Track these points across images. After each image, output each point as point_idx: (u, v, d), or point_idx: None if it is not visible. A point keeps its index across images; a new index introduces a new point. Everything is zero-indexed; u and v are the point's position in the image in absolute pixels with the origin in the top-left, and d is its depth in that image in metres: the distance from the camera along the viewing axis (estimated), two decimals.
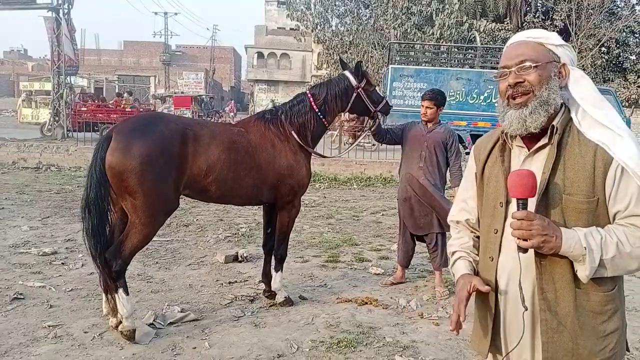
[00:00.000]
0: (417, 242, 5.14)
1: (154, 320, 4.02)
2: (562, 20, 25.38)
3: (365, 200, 10.14)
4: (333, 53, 26.00)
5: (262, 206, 4.75)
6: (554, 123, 1.61)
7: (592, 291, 1.56)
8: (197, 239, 6.72)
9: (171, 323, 4.04)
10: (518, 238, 1.49)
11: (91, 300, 4.49)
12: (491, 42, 22.44)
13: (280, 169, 4.23)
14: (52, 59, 18.29)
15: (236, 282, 5.08)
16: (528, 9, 27.41)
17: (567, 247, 1.48)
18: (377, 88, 5.11)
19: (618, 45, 26.56)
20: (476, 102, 14.77)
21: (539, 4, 27.91)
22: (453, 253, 1.86)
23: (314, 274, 5.41)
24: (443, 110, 4.95)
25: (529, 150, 1.65)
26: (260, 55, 43.43)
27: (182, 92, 35.29)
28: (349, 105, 4.63)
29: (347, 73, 4.63)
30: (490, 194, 1.71)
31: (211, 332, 3.91)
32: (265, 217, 4.71)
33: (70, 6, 17.60)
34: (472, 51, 18.13)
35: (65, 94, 17.95)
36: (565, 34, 25.42)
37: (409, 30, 22.89)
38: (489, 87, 14.71)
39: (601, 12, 25.59)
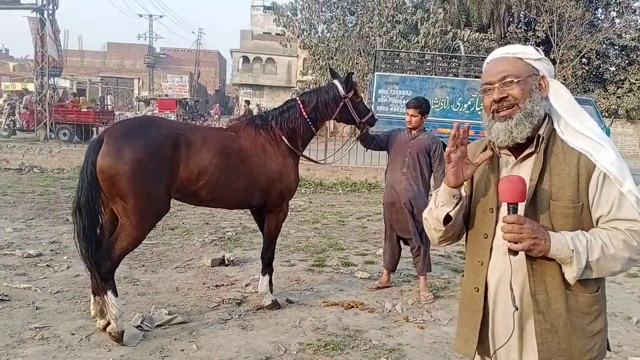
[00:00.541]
0: (402, 247, 5.22)
1: (141, 322, 4.03)
2: (543, 31, 25.90)
3: (351, 206, 10.22)
4: (319, 59, 26.16)
5: (251, 211, 4.80)
6: (540, 132, 1.68)
7: (580, 293, 1.64)
8: (183, 242, 6.72)
9: (159, 325, 4.05)
10: (509, 241, 1.55)
11: (77, 302, 4.48)
12: (474, 52, 22.77)
13: (271, 173, 4.30)
14: (36, 60, 18.13)
15: (223, 285, 5.10)
16: (511, 19, 27.89)
17: (556, 250, 1.55)
18: (363, 95, 5.21)
19: (598, 57, 27.16)
20: (460, 110, 14.95)
21: (521, 15, 28.41)
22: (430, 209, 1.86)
23: (300, 277, 5.45)
24: (427, 118, 5.06)
25: (516, 159, 1.72)
26: (245, 59, 43.41)
27: (167, 95, 35.15)
28: (335, 114, 4.72)
29: (336, 82, 4.72)
30: (479, 201, 1.77)
31: (199, 335, 3.93)
32: (257, 220, 4.78)
33: (55, 7, 17.48)
34: (456, 60, 18.34)
35: (49, 95, 17.76)
36: (546, 45, 25.94)
37: (394, 38, 23.16)
38: (473, 95, 14.91)
39: (582, 24, 26.18)
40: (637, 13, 27.66)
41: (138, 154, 3.57)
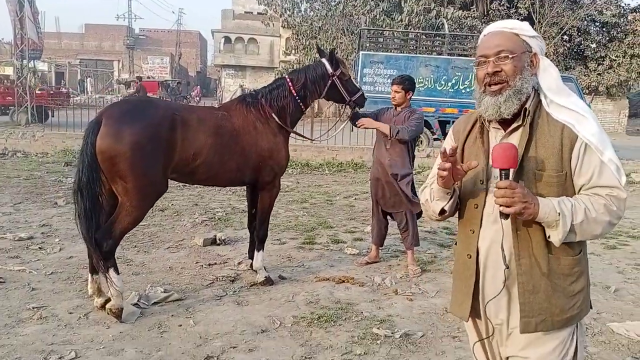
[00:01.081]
0: (389, 221, 5.35)
1: (138, 300, 4.11)
2: (526, 8, 25.98)
3: (338, 185, 10.33)
4: (302, 39, 26.00)
5: (246, 190, 4.90)
6: (527, 106, 1.77)
7: (563, 256, 1.75)
8: (174, 223, 6.78)
9: (155, 303, 4.14)
10: (501, 205, 1.63)
11: (73, 282, 4.54)
12: (458, 30, 22.82)
13: (262, 151, 4.39)
14: (15, 43, 17.75)
15: (216, 264, 5.20)
16: None
17: (544, 214, 1.64)
18: (351, 74, 5.29)
19: (579, 34, 27.37)
20: (444, 88, 15.03)
21: None
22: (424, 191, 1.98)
23: (291, 255, 5.57)
24: (412, 97, 5.15)
25: (504, 132, 1.81)
26: (227, 40, 42.88)
27: (149, 77, 34.68)
28: (324, 92, 4.79)
29: (323, 60, 4.79)
30: (469, 173, 1.84)
31: (195, 311, 4.03)
32: (249, 198, 4.87)
33: None
34: (440, 38, 18.41)
35: (29, 78, 17.47)
36: (529, 22, 25.92)
37: (377, 16, 23.12)
38: (457, 74, 14.98)
39: (563, 1, 26.30)
40: None
41: (137, 135, 3.64)
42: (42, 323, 3.72)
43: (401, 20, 23.03)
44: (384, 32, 20.03)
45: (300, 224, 6.88)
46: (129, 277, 4.72)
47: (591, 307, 1.89)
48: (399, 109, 5.07)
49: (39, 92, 19.53)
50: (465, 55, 16.39)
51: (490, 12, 26.79)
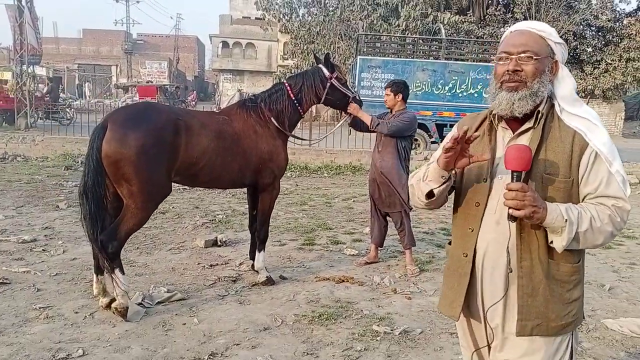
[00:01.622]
0: (388, 221, 5.46)
1: (142, 300, 4.19)
2: (522, 13, 26.15)
3: (336, 188, 10.43)
4: (300, 43, 26.11)
5: (247, 192, 5.01)
6: (540, 109, 1.76)
7: (563, 262, 1.74)
8: (175, 225, 6.86)
9: (159, 302, 4.22)
10: (510, 207, 1.62)
11: (77, 283, 4.62)
12: (455, 34, 22.97)
13: (262, 153, 4.51)
14: (15, 48, 17.85)
15: (217, 264, 5.28)
16: (490, 1, 28.07)
17: (551, 219, 1.63)
18: (347, 78, 5.43)
19: (575, 38, 27.52)
20: (441, 92, 15.17)
21: None
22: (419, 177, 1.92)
23: (292, 256, 5.66)
24: (410, 101, 5.30)
25: (513, 133, 1.80)
26: (225, 44, 42.99)
27: (148, 82, 34.78)
28: (324, 95, 4.90)
29: (321, 66, 4.93)
30: (473, 170, 1.81)
31: (199, 310, 4.12)
32: (250, 200, 4.97)
33: None
34: (437, 43, 18.53)
35: (29, 83, 17.55)
36: None
37: (375, 21, 23.25)
38: (454, 78, 15.14)
39: (559, 6, 26.49)
40: None
41: (142, 139, 3.74)
42: (48, 322, 3.80)
43: (398, 26, 23.18)
44: (382, 37, 20.15)
45: (300, 226, 6.97)
46: (133, 278, 4.78)
47: (584, 318, 1.89)
48: (394, 111, 5.21)
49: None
50: (462, 60, 16.55)
51: (486, 17, 26.99)
